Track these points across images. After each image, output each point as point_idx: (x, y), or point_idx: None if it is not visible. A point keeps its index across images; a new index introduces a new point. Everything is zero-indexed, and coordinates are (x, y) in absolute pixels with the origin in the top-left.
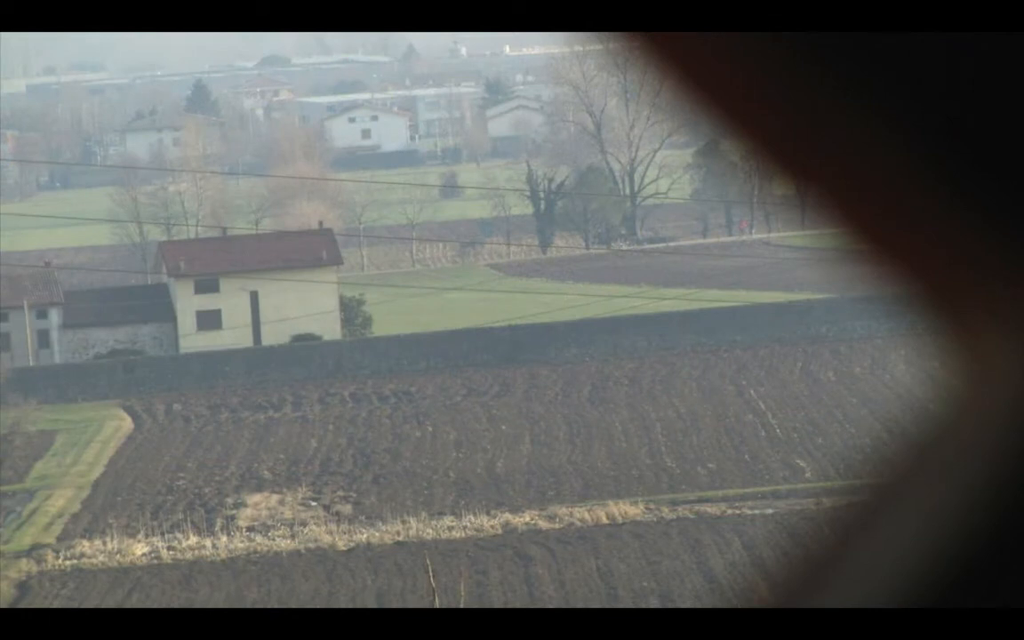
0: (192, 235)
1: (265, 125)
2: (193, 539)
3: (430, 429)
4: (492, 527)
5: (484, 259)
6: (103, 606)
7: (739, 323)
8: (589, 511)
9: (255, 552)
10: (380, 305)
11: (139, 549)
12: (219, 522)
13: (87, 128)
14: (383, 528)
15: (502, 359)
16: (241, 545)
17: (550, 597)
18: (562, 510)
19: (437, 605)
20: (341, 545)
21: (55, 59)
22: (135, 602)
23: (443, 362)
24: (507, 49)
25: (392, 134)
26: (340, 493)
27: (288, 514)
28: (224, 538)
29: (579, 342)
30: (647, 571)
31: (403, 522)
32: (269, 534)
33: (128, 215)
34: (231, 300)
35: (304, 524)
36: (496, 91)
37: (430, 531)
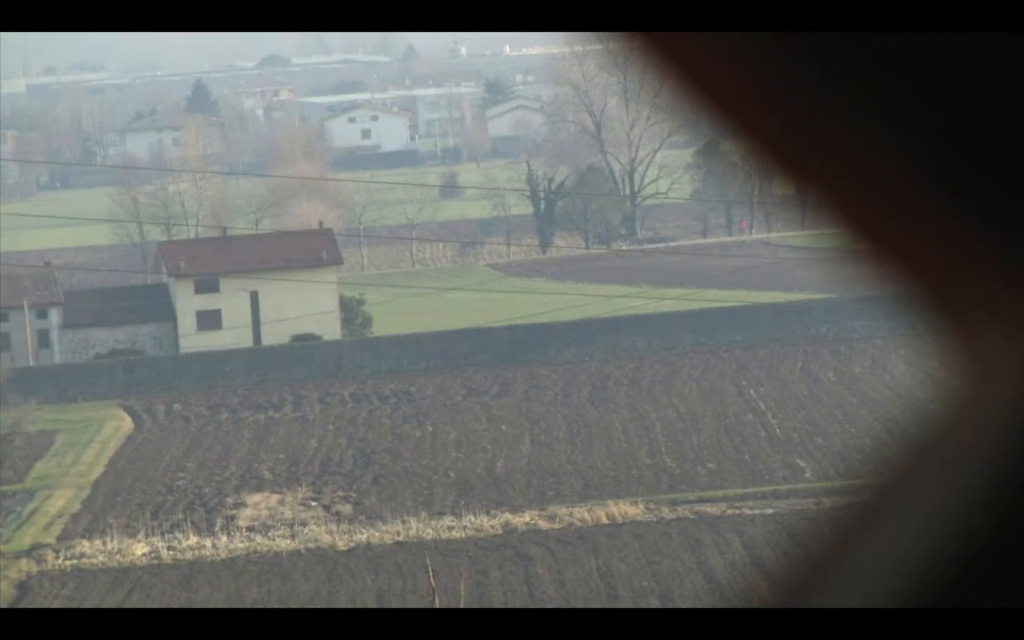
0: (192, 235)
1: (265, 125)
2: (193, 539)
3: (430, 429)
4: (492, 527)
5: (484, 259)
6: (103, 606)
7: (739, 323)
8: (589, 511)
9: (255, 552)
10: (380, 305)
11: (139, 549)
12: (219, 522)
13: (87, 128)
14: (383, 528)
15: (502, 359)
16: (241, 545)
17: (550, 597)
18: (562, 510)
19: (437, 605)
20: (341, 545)
21: (55, 59)
22: (135, 602)
23: (443, 362)
24: (507, 49)
25: (392, 134)
26: (340, 493)
27: (288, 514)
28: (224, 538)
29: (579, 342)
30: (647, 571)
31: (403, 522)
32: (269, 534)
33: (128, 215)
34: (231, 300)
35: (304, 524)
36: (496, 91)
37: (430, 531)
